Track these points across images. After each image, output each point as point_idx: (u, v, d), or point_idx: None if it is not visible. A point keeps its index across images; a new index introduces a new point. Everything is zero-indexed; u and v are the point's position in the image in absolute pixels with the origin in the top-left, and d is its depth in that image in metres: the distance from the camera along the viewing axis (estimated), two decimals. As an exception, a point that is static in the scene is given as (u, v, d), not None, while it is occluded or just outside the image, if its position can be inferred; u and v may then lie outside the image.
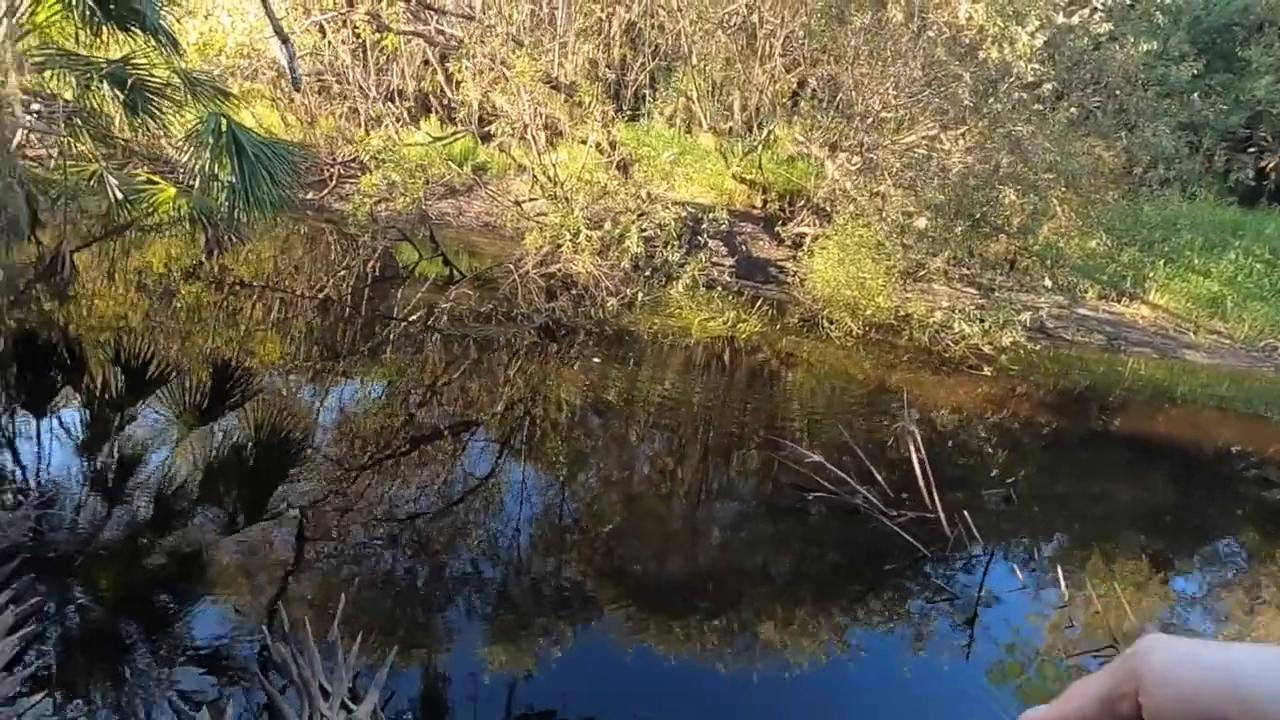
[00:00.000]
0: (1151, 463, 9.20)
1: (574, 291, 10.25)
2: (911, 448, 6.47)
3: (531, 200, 11.80)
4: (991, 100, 9.69)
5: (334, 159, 14.13)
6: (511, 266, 10.55)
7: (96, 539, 4.67)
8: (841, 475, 6.57)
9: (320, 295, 10.52)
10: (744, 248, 13.78)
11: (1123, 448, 9.52)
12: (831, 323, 10.98)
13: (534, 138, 11.55)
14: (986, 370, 10.19)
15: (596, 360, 9.08)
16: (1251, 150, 16.60)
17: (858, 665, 5.00)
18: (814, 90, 13.19)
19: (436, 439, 7.01)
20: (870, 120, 10.84)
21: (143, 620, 4.32)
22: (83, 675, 3.78)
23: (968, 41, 9.32)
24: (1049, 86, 9.95)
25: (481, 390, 8.18)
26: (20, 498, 4.55)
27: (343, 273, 11.69)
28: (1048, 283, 10.76)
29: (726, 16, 12.10)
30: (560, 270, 10.46)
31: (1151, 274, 14.12)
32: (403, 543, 5.38)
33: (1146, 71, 11.93)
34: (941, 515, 6.19)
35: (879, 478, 6.50)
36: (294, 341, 9.05)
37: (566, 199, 10.55)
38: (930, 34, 9.49)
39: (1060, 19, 9.33)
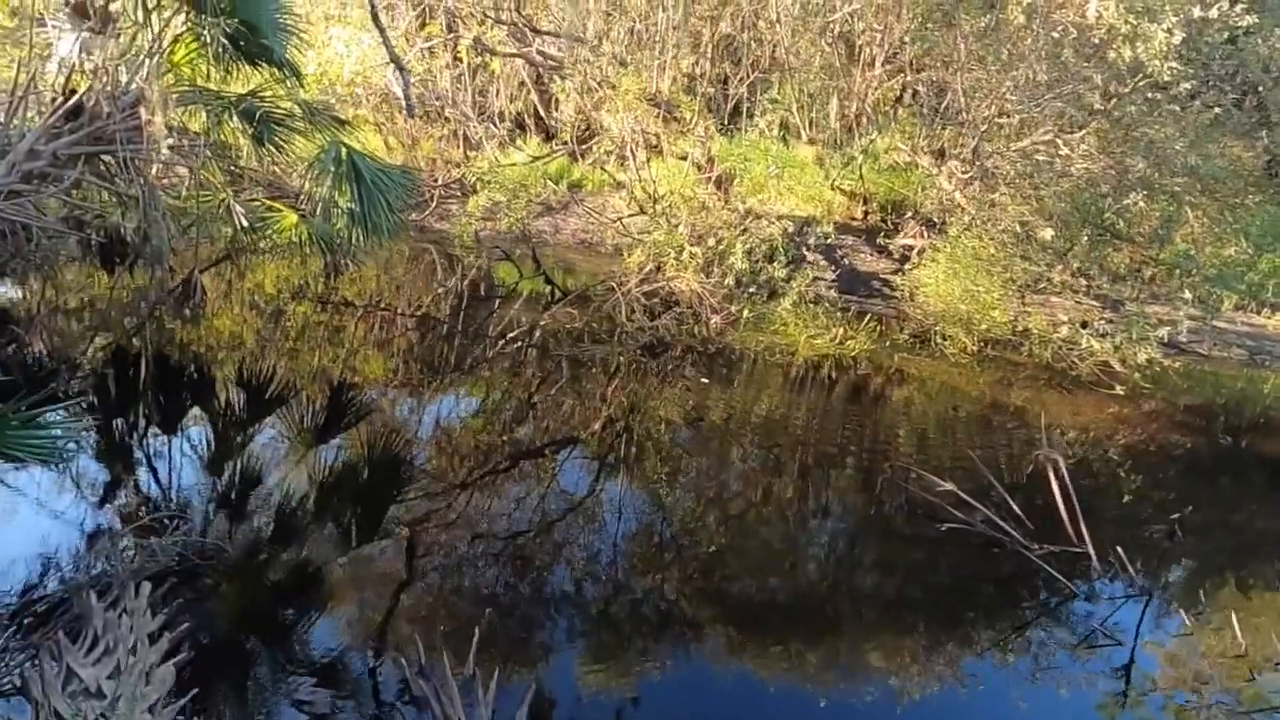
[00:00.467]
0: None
1: (677, 310, 10.12)
2: (1053, 476, 6.06)
3: (631, 217, 11.76)
4: (1124, 102, 9.10)
5: (435, 180, 14.44)
6: (614, 285, 10.49)
7: (228, 558, 4.77)
8: (975, 504, 6.20)
9: (424, 314, 10.71)
10: (846, 261, 13.39)
11: (1275, 473, 8.75)
12: (945, 339, 10.51)
13: (634, 154, 11.52)
14: (1118, 389, 9.54)
15: (704, 381, 8.90)
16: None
17: (996, 710, 4.65)
18: (919, 96, 12.75)
19: (539, 457, 7.00)
20: (985, 127, 10.37)
21: (270, 638, 4.41)
22: (219, 697, 3.85)
23: (1096, 42, 8.79)
24: (1186, 86, 9.27)
25: (584, 409, 8.12)
26: (167, 521, 4.68)
27: (444, 291, 11.89)
28: (1186, 294, 10.01)
29: (826, 25, 11.82)
30: (663, 288, 10.35)
31: (1297, 283, 13.04)
32: (506, 562, 5.38)
33: (1292, 63, 11.02)
34: (1091, 550, 5.75)
35: (1015, 507, 6.10)
36: (400, 360, 9.21)
37: (668, 216, 10.45)
38: (1055, 35, 8.99)
39: (1197, 12, 8.70)
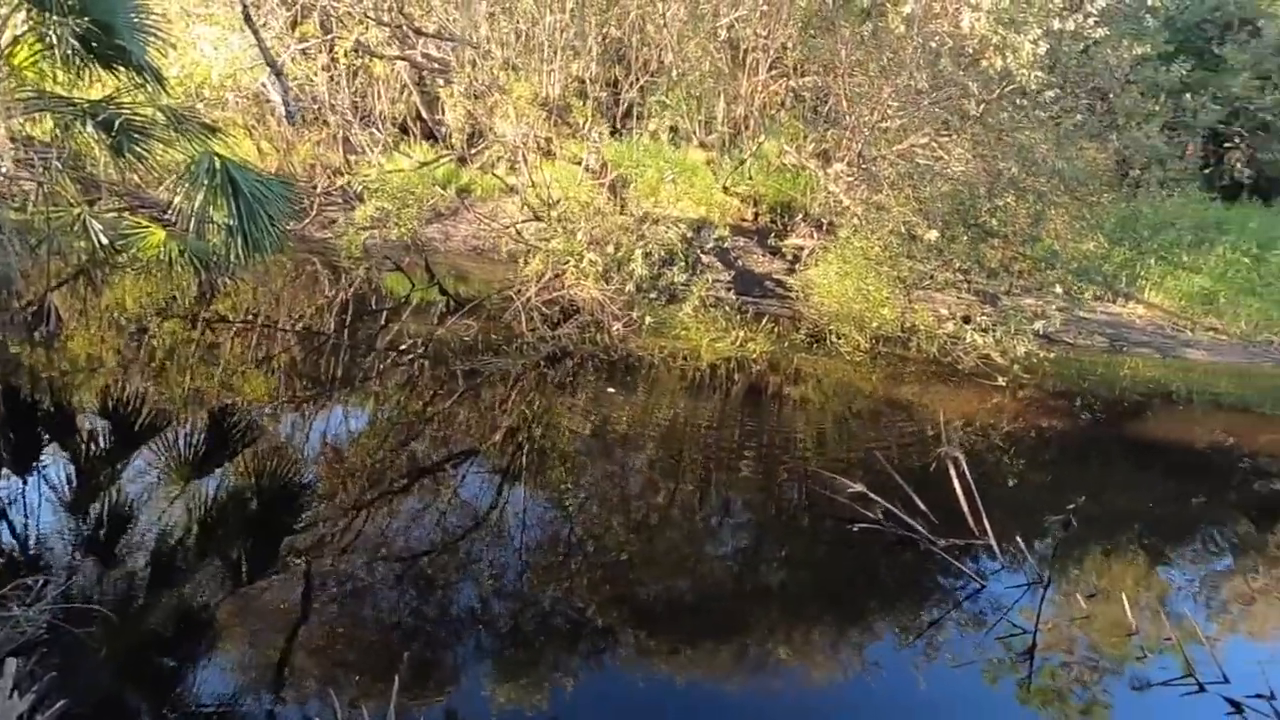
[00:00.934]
0: (1195, 472, 9.11)
1: (579, 318, 9.99)
2: (954, 472, 6.29)
3: (526, 223, 11.53)
4: (996, 108, 9.63)
5: (315, 187, 13.73)
6: (512, 294, 10.25)
7: (103, 617, 4.32)
8: (881, 501, 6.37)
9: (308, 329, 10.15)
10: (740, 263, 13.60)
11: (1160, 456, 9.44)
12: (839, 337, 10.82)
13: (525, 159, 11.29)
14: (1000, 380, 10.07)
15: (611, 389, 8.81)
16: (1230, 146, 16.81)
17: (908, 699, 4.78)
18: (804, 101, 13.09)
19: (439, 473, 6.77)
20: (868, 131, 10.74)
21: (158, 699, 4.06)
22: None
23: (970, 51, 9.25)
24: (1050, 94, 9.90)
25: (484, 422, 7.89)
26: (30, 584, 4.17)
27: (329, 304, 11.32)
28: (1057, 289, 10.70)
29: (713, 30, 11.96)
30: (564, 296, 10.19)
31: (1144, 273, 14.17)
32: (410, 585, 5.19)
33: (1135, 73, 11.98)
34: (993, 540, 6.00)
35: (919, 502, 6.30)
36: (284, 378, 8.69)
37: (564, 222, 10.31)
38: (932, 44, 9.40)
39: (1057, 24, 9.29)
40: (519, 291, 10.23)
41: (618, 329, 9.83)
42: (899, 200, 10.40)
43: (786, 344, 11.02)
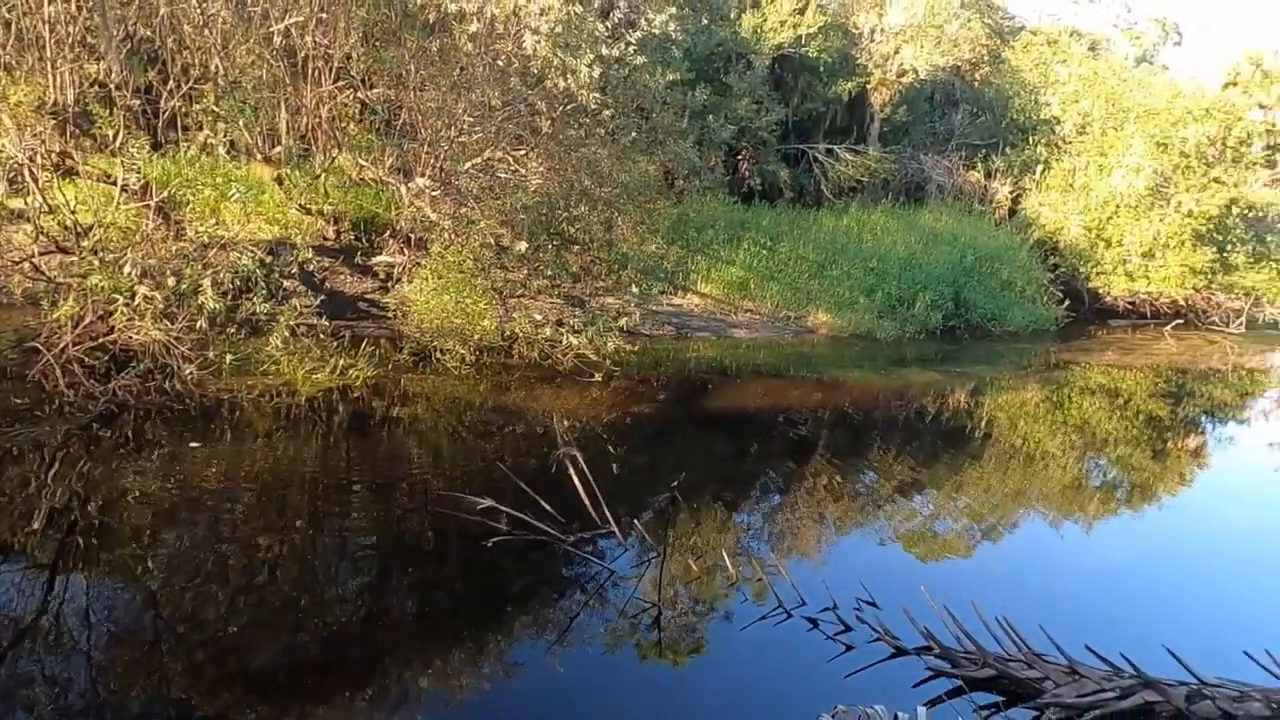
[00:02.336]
0: (750, 431, 10.74)
1: (138, 365, 8.44)
2: (573, 471, 6.65)
3: (46, 255, 9.41)
4: (565, 125, 10.36)
5: None
6: (40, 345, 8.30)
7: None
8: (510, 511, 6.49)
9: None
10: (328, 285, 12.78)
11: (724, 422, 10.97)
12: (443, 353, 10.76)
13: (35, 178, 9.21)
14: (596, 376, 10.91)
15: (194, 444, 7.63)
16: (741, 158, 20.34)
17: (551, 688, 5.00)
18: (376, 114, 12.70)
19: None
20: (447, 145, 10.80)
21: None
22: None
23: (536, 71, 9.80)
24: (608, 113, 10.96)
25: (16, 509, 6.32)
26: None
27: None
28: (634, 289, 11.91)
29: (268, 35, 10.98)
30: (115, 341, 8.53)
31: (695, 268, 16.49)
32: None
33: (669, 96, 13.83)
34: (615, 528, 6.47)
35: (546, 505, 6.55)
36: None
37: (102, 252, 8.61)
38: (500, 63, 9.76)
39: (605, 50, 10.32)
40: (51, 341, 8.32)
41: (191, 372, 8.54)
42: (485, 213, 10.66)
43: (391, 366, 10.64)
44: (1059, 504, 9.11)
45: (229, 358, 8.92)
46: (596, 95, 10.16)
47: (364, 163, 12.58)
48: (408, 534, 6.79)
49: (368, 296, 13.05)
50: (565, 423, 9.44)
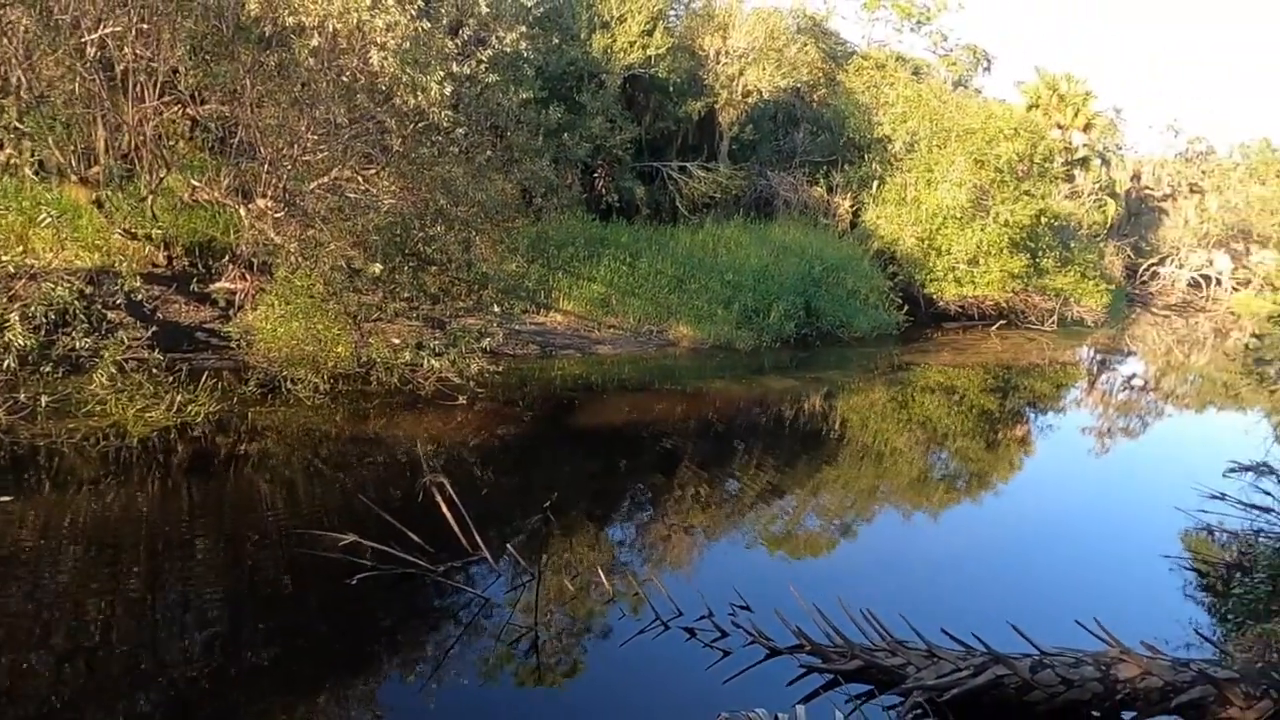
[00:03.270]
0: (618, 446, 10.76)
1: (-69, 412, 7.46)
2: (441, 498, 6.44)
3: None
4: (418, 144, 10.08)
5: None
6: None
7: None
8: (376, 545, 6.20)
9: None
10: (160, 315, 11.81)
11: (592, 438, 10.94)
12: (295, 383, 10.17)
13: None
14: (460, 399, 10.64)
15: (4, 498, 6.81)
16: (597, 176, 20.52)
17: None
18: (209, 131, 11.89)
19: None
20: (290, 165, 10.25)
21: None
22: None
23: (384, 88, 9.49)
24: (461, 130, 10.76)
25: None
26: None
27: None
28: (496, 308, 11.71)
29: (80, 46, 10.05)
30: (-100, 387, 7.49)
31: (557, 285, 16.45)
32: None
33: (523, 114, 13.77)
34: (487, 553, 6.31)
35: (414, 536, 6.30)
36: None
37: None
38: (345, 79, 9.38)
39: (455, 68, 10.15)
40: None
41: (-1, 417, 7.64)
42: (335, 235, 10.19)
43: (236, 399, 9.95)
44: (909, 496, 9.71)
45: (44, 399, 8.05)
46: (449, 113, 9.95)
47: (197, 183, 11.73)
48: (261, 579, 6.34)
49: (206, 326, 12.16)
50: (430, 449, 9.15)
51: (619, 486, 9.34)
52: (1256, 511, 7.55)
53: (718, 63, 21.33)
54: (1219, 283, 36.15)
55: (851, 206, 23.53)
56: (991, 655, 5.12)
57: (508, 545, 6.43)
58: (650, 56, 19.73)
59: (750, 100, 21.57)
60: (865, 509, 9.19)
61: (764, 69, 21.11)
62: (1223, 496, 7.98)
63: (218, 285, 12.02)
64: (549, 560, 6.52)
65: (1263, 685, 4.86)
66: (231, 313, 12.05)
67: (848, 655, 5.35)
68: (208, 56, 10.72)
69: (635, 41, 19.64)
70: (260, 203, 10.89)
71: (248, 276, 12.03)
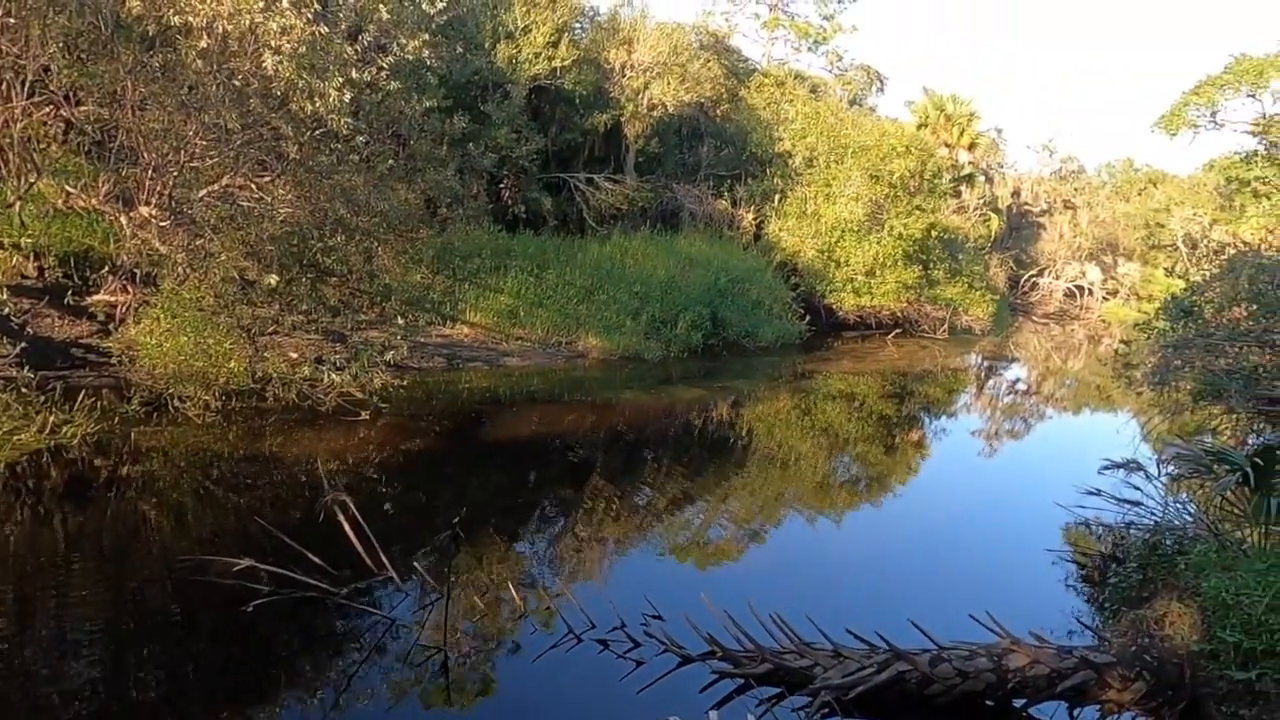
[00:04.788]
0: (527, 459, 10.64)
1: None
2: (343, 517, 6.23)
3: None
4: (316, 151, 9.73)
5: None
6: None
7: None
8: (274, 569, 5.93)
9: None
10: (30, 330, 11.00)
11: (501, 452, 10.79)
12: (183, 400, 9.64)
13: None
14: (363, 414, 10.32)
15: None
16: (503, 187, 20.33)
17: None
18: (85, 134, 11.15)
19: None
20: (176, 171, 9.72)
21: None
22: None
23: (279, 94, 9.12)
24: (362, 139, 10.46)
25: None
26: None
27: None
28: (400, 320, 11.40)
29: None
30: None
31: (463, 297, 16.19)
32: None
33: (426, 123, 13.50)
34: (393, 573, 6.13)
35: (314, 558, 6.07)
36: None
37: None
38: (237, 83, 8.96)
39: (355, 74, 9.87)
40: None
41: None
42: (226, 245, 9.72)
43: (117, 419, 9.36)
44: (814, 501, 9.98)
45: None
46: (348, 120, 9.66)
47: (71, 189, 10.98)
48: (147, 610, 5.97)
49: (83, 341, 11.38)
50: (331, 466, 8.83)
51: (529, 500, 9.25)
52: (1128, 505, 8.10)
53: (623, 76, 21.52)
54: (1091, 293, 38.77)
55: (755, 219, 24.11)
56: (894, 652, 5.31)
57: (414, 564, 6.27)
58: (556, 68, 19.73)
59: (655, 114, 21.84)
60: (772, 514, 9.40)
61: (668, 83, 21.42)
62: (1098, 492, 8.53)
63: (96, 298, 11.28)
64: (458, 577, 6.38)
65: (1136, 668, 5.22)
66: (112, 327, 11.33)
67: (758, 659, 5.45)
68: (84, 55, 10.07)
69: (541, 53, 19.61)
70: (144, 210, 10.28)
71: (130, 288, 11.34)
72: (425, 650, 5.58)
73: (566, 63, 19.80)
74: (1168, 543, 6.71)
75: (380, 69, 10.65)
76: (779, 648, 5.56)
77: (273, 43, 8.81)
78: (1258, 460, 6.08)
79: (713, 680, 5.45)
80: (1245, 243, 16.67)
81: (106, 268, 11.37)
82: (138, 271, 11.27)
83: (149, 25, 9.43)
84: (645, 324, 17.65)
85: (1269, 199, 26.30)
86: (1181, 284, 13.42)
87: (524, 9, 19.66)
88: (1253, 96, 29.31)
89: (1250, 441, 10.59)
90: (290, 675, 5.40)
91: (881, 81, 36.12)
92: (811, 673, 5.31)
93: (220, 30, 9.07)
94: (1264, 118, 29.24)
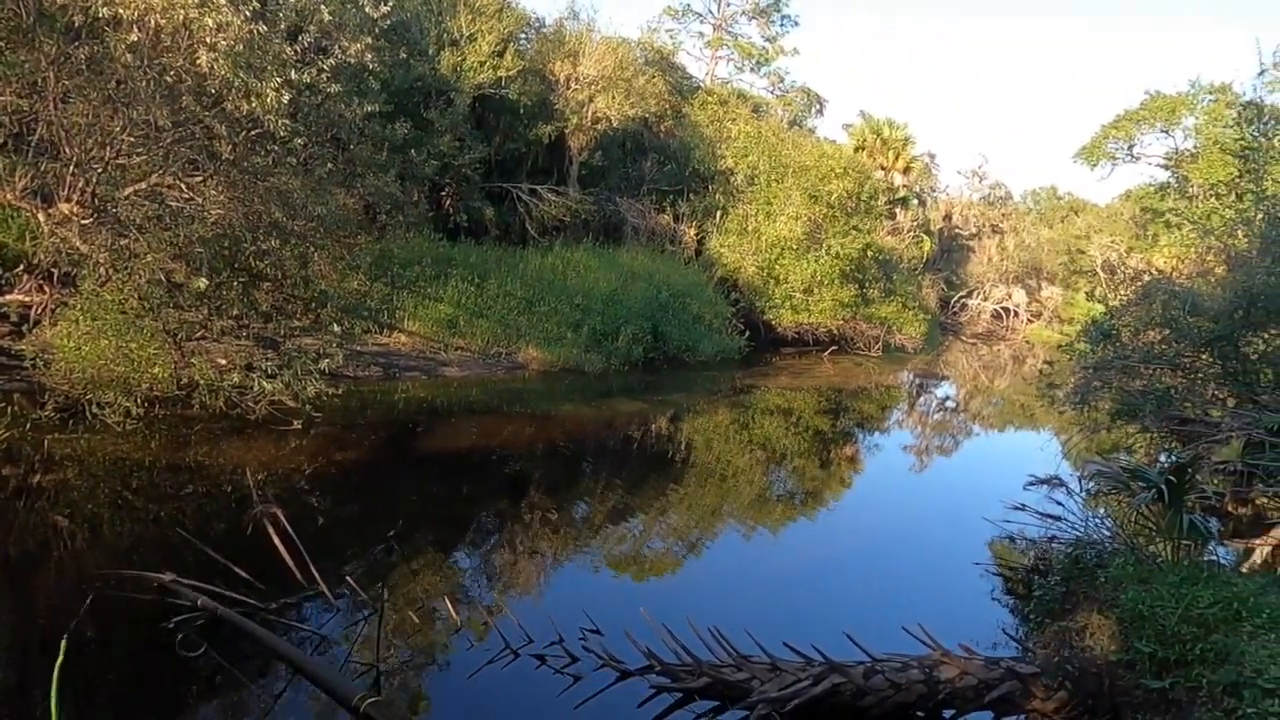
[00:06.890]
0: (464, 471, 10.47)
1: None
2: (273, 529, 6.03)
3: None
4: (251, 152, 9.45)
5: None
6: None
7: None
8: (196, 585, 5.70)
9: None
10: (-66, 330, 10.39)
11: (438, 463, 10.60)
12: (102, 407, 9.20)
13: None
14: (295, 423, 10.02)
15: None
16: (445, 195, 20.09)
17: None
18: (3, 126, 10.60)
19: None
20: (100, 168, 9.32)
21: None
22: None
23: (213, 92, 8.83)
24: (300, 141, 10.21)
25: None
26: None
27: None
28: (336, 328, 11.11)
29: None
30: None
31: (401, 305, 15.90)
32: None
33: (367, 127, 13.26)
34: (324, 587, 5.95)
35: (241, 572, 5.85)
36: None
37: None
38: (169, 79, 8.65)
39: (295, 75, 9.64)
40: None
41: None
42: (153, 245, 9.34)
43: (29, 425, 8.90)
44: (752, 515, 10.08)
45: None
46: (286, 122, 9.40)
47: (-16, 183, 10.44)
48: (57, 628, 5.64)
49: (-7, 343, 10.81)
50: (260, 477, 8.53)
51: (466, 513, 9.10)
52: (1051, 520, 8.41)
53: (568, 88, 21.54)
54: (1017, 314, 40.27)
55: (697, 235, 24.36)
56: (829, 665, 5.38)
57: (346, 578, 6.10)
58: (501, 78, 19.64)
59: (600, 127, 21.90)
60: (711, 528, 9.45)
61: (613, 97, 21.52)
62: (1023, 507, 8.83)
63: (9, 297, 10.73)
64: (391, 592, 6.24)
65: (1059, 678, 5.40)
66: (25, 329, 10.79)
67: (696, 673, 5.46)
68: (1, 44, 9.60)
69: (485, 61, 19.50)
70: (64, 207, 9.83)
71: (46, 289, 10.83)
72: (357, 666, 5.42)
73: (511, 73, 19.72)
74: (1088, 556, 6.97)
75: (321, 71, 10.43)
76: (717, 661, 5.58)
77: (208, 39, 8.55)
78: (1171, 478, 6.37)
79: (651, 695, 5.43)
80: (1159, 270, 17.57)
81: (21, 266, 10.83)
82: (55, 271, 10.77)
83: (75, 16, 9.06)
84: (586, 336, 17.62)
85: (1179, 230, 27.80)
86: (1101, 308, 14.04)
87: (469, 17, 19.54)
88: (1166, 133, 30.99)
89: (1162, 459, 11.13)
90: (211, 693, 5.18)
91: (821, 104, 36.99)
92: (749, 686, 5.34)
93: (153, 24, 8.76)
94: (1175, 152, 30.94)
